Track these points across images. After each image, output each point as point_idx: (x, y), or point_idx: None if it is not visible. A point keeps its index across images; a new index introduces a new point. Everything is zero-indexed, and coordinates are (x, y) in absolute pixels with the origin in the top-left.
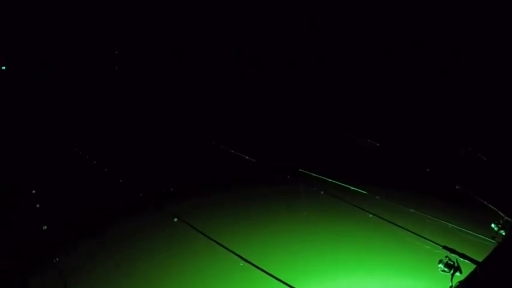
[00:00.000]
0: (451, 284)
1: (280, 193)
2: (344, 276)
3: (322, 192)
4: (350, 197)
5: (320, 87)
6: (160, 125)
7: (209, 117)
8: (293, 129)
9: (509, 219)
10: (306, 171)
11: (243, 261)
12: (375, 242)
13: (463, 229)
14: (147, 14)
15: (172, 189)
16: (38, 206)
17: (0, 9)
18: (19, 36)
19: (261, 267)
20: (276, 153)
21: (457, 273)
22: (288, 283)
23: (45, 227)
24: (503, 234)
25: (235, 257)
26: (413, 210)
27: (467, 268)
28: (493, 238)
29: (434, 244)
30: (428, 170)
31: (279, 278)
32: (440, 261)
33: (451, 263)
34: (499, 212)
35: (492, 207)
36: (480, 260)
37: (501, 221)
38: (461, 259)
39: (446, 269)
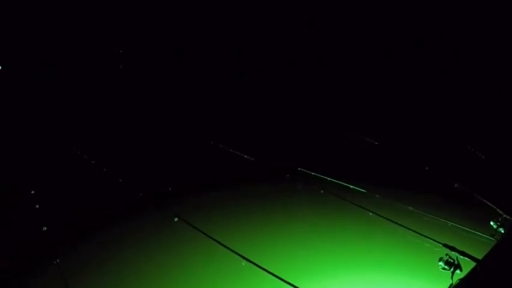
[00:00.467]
0: (451, 282)
1: (280, 192)
2: (344, 274)
3: (322, 191)
4: (349, 195)
5: (320, 87)
6: (160, 125)
7: (209, 117)
8: (293, 129)
9: (508, 217)
10: (305, 170)
11: (244, 261)
12: (375, 240)
13: (462, 227)
14: (147, 14)
15: (172, 189)
16: (37, 206)
17: (0, 9)
18: (19, 36)
19: (261, 265)
20: (275, 152)
21: (457, 271)
22: (289, 281)
23: (45, 228)
24: (502, 231)
25: (236, 255)
26: (412, 209)
27: (467, 266)
28: (492, 236)
29: (434, 242)
30: (427, 168)
31: (280, 276)
32: (441, 259)
33: (451, 260)
34: (498, 210)
35: (491, 205)
36: (480, 257)
37: (500, 219)
38: (461, 257)
39: (446, 267)
